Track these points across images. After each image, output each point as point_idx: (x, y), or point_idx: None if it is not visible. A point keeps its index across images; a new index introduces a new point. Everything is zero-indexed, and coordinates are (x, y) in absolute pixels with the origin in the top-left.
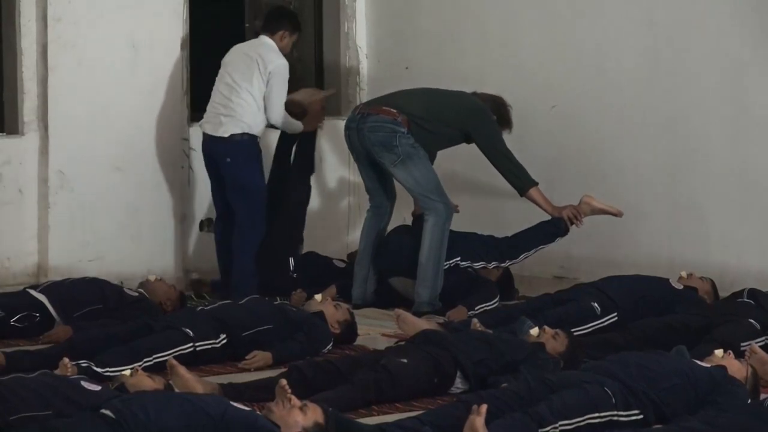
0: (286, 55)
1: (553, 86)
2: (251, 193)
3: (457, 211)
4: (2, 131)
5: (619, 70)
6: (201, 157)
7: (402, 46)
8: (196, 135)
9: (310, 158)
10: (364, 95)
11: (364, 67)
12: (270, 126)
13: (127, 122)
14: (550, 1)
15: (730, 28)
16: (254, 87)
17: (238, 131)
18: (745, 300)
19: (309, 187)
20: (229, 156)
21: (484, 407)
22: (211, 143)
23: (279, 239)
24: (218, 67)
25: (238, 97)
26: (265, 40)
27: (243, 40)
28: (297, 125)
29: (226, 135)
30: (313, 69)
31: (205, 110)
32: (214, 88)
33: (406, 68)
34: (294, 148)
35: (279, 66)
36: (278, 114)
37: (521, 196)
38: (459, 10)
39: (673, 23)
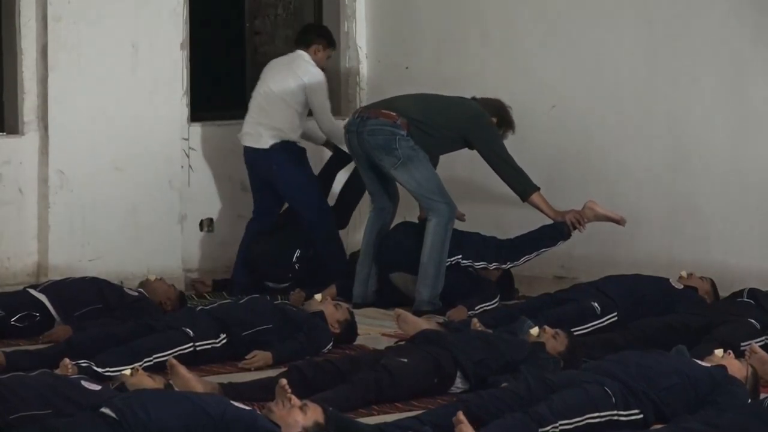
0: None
1: (553, 86)
2: (305, 192)
3: (463, 220)
4: (2, 131)
5: (618, 70)
6: (201, 157)
7: (402, 46)
8: (196, 135)
9: (349, 210)
10: (364, 96)
11: (364, 67)
12: (325, 144)
13: (127, 122)
14: (550, 1)
15: (729, 28)
16: (289, 95)
17: (278, 140)
18: (745, 300)
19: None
20: (274, 164)
21: (460, 414)
22: (253, 155)
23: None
24: (218, 67)
25: (273, 106)
26: (300, 53)
27: (243, 40)
28: None
29: (267, 146)
30: None
31: (205, 110)
32: (252, 100)
33: (406, 68)
34: (342, 190)
35: (314, 75)
36: (327, 122)
37: (523, 201)
38: (459, 10)
39: (673, 23)
